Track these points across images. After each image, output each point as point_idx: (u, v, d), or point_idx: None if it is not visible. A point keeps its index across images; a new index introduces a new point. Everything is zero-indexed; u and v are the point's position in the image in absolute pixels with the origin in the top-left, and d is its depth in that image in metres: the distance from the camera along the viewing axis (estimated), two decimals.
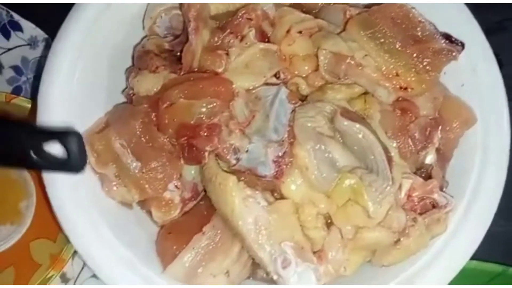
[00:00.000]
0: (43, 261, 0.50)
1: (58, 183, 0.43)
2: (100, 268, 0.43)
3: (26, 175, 0.53)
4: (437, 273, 0.43)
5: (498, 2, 0.66)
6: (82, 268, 0.51)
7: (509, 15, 0.67)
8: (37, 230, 0.51)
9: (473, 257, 0.46)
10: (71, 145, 0.37)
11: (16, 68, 0.57)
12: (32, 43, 0.57)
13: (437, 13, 0.48)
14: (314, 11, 0.53)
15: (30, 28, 0.56)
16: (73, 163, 0.37)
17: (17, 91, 0.57)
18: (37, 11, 0.58)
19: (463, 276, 0.48)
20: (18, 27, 0.56)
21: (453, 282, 0.44)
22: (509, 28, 0.67)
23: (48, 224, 0.50)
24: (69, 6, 0.47)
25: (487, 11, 0.68)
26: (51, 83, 0.45)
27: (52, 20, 0.56)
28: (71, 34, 0.45)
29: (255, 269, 0.46)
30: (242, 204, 0.40)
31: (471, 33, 0.48)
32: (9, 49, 0.57)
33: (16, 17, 0.56)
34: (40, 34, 0.57)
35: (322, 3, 0.53)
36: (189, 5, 0.44)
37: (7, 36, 0.57)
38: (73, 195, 0.43)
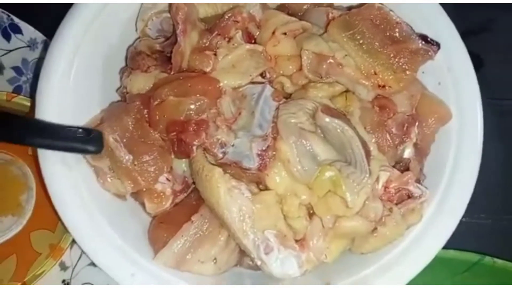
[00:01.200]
0: (42, 250, 0.53)
1: (56, 177, 0.46)
2: (96, 256, 0.45)
3: (27, 170, 0.56)
4: (413, 259, 0.45)
5: (480, 2, 0.69)
6: (80, 257, 0.54)
7: (491, 16, 0.70)
8: (37, 221, 0.54)
9: (451, 247, 0.48)
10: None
11: (16, 69, 0.60)
12: (31, 45, 0.60)
13: (414, 15, 0.51)
14: (299, 14, 0.56)
15: (29, 31, 0.59)
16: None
17: (17, 90, 0.60)
18: (36, 14, 0.61)
19: (442, 264, 0.51)
20: (18, 30, 0.59)
21: (433, 270, 0.47)
22: (491, 29, 0.69)
23: (47, 215, 0.53)
24: (67, 10, 0.50)
25: (470, 12, 0.70)
26: (49, 81, 0.47)
27: (50, 23, 0.59)
28: (68, 35, 0.48)
29: (242, 256, 0.48)
30: (227, 194, 0.43)
31: (447, 33, 0.51)
32: (10, 51, 0.60)
33: (16, 20, 0.59)
34: (39, 36, 0.59)
35: (306, 5, 0.56)
36: (177, 8, 0.46)
37: (8, 39, 0.59)
38: (71, 188, 0.46)
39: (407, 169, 0.48)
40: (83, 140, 0.44)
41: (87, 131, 0.45)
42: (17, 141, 0.44)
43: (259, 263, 0.43)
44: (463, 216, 0.46)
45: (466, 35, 0.69)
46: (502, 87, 0.68)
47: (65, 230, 0.51)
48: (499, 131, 0.64)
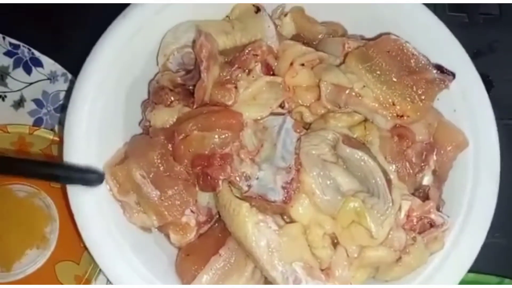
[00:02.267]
0: (68, 282, 0.54)
1: (84, 209, 0.47)
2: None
3: (50, 202, 0.57)
4: (438, 286, 0.47)
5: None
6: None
7: (497, 37, 0.72)
8: (62, 253, 0.55)
9: (470, 270, 0.49)
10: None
11: (37, 101, 0.61)
12: (51, 77, 0.61)
13: (428, 42, 0.52)
14: (314, 43, 0.57)
15: (50, 64, 0.60)
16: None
17: (38, 122, 0.61)
18: (56, 48, 0.62)
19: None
20: (38, 63, 0.60)
21: None
22: (498, 49, 0.71)
23: (72, 247, 0.54)
24: (86, 43, 0.51)
25: (478, 34, 0.72)
26: (76, 115, 0.48)
27: (69, 56, 0.61)
28: (93, 71, 0.49)
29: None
30: (254, 228, 0.43)
31: (460, 60, 0.52)
32: (31, 83, 0.61)
33: (37, 53, 0.60)
34: (59, 69, 0.60)
35: (321, 35, 0.57)
36: (201, 46, 0.47)
37: (29, 72, 0.61)
38: (98, 219, 0.47)
39: (427, 195, 0.49)
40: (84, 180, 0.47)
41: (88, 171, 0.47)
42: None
43: None
44: None
45: (474, 56, 0.70)
46: (510, 107, 0.69)
47: (90, 261, 0.52)
48: (509, 150, 0.65)
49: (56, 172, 0.46)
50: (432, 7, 0.72)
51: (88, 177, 0.46)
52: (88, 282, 0.53)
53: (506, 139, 0.61)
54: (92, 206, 0.47)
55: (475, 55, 0.71)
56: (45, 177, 0.48)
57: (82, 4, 0.65)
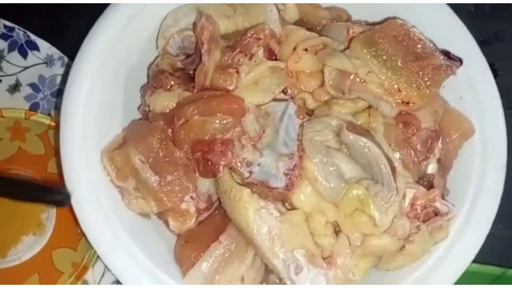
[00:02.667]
0: (65, 269, 0.53)
1: (81, 196, 0.46)
2: (122, 275, 0.45)
3: None
4: (441, 275, 0.46)
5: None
6: (103, 275, 0.53)
7: (503, 26, 0.70)
8: (59, 239, 0.54)
9: (474, 260, 0.48)
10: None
11: (33, 86, 0.59)
12: (48, 61, 0.59)
13: (435, 28, 0.51)
14: (318, 28, 0.56)
15: (46, 47, 0.59)
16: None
17: (34, 107, 0.59)
18: (52, 31, 0.60)
19: (464, 278, 0.51)
20: (34, 47, 0.59)
21: (455, 284, 0.47)
22: (504, 38, 0.70)
23: (69, 234, 0.53)
24: (83, 25, 0.50)
25: (484, 23, 0.71)
26: (73, 100, 0.47)
27: (67, 39, 0.59)
28: (91, 54, 0.48)
29: (268, 274, 0.48)
30: (256, 215, 0.43)
31: (467, 47, 0.51)
32: (27, 68, 0.59)
33: (33, 37, 0.58)
34: (55, 52, 0.59)
35: (325, 20, 0.56)
36: (202, 28, 0.46)
37: (25, 55, 0.59)
38: (95, 206, 0.46)
39: (431, 184, 0.49)
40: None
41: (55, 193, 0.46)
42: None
43: (288, 283, 0.43)
44: None
45: (480, 45, 0.69)
46: None
47: (87, 248, 0.51)
48: None
49: (21, 192, 0.45)
50: None
51: (55, 198, 0.46)
52: (85, 269, 0.52)
53: (511, 128, 0.61)
54: (89, 193, 0.46)
55: (481, 44, 0.69)
56: (7, 196, 0.47)
57: None
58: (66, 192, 0.46)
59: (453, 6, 0.72)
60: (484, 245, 0.48)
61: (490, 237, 0.54)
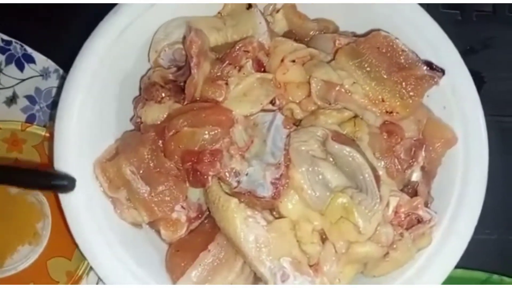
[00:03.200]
0: (60, 278, 0.54)
1: (74, 206, 0.47)
2: (114, 284, 0.46)
3: (42, 198, 0.57)
4: (425, 281, 0.47)
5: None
6: (97, 283, 0.54)
7: (490, 34, 0.72)
8: (54, 249, 0.55)
9: (460, 266, 0.49)
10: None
11: (30, 98, 0.61)
12: (44, 74, 0.61)
13: (418, 39, 0.52)
14: (306, 40, 0.57)
15: (42, 60, 0.60)
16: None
17: (31, 119, 0.61)
18: (48, 44, 0.62)
19: (450, 283, 0.52)
20: (31, 60, 0.60)
21: None
22: (491, 46, 0.71)
23: (64, 243, 0.54)
24: (79, 39, 0.51)
25: (471, 31, 0.72)
26: (66, 112, 0.49)
27: (62, 52, 0.61)
28: (84, 66, 0.49)
29: (257, 281, 0.49)
30: (243, 224, 0.44)
31: (450, 57, 0.52)
32: (23, 80, 0.61)
33: (29, 50, 0.60)
34: (51, 65, 0.61)
35: (313, 31, 0.57)
36: (191, 42, 0.47)
37: (21, 68, 0.61)
38: (88, 216, 0.47)
39: (415, 192, 0.50)
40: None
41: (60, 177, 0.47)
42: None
43: None
44: None
45: (467, 53, 0.71)
46: (503, 104, 0.70)
47: (82, 257, 0.53)
48: (501, 147, 0.65)
49: (23, 178, 0.45)
50: (425, 4, 0.73)
51: (59, 183, 0.46)
52: (79, 278, 0.53)
53: (498, 136, 0.61)
54: (82, 203, 0.47)
55: (468, 52, 0.71)
56: (12, 183, 0.47)
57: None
58: (71, 177, 0.46)
59: (439, 14, 0.74)
60: (471, 250, 0.49)
61: (477, 242, 0.55)
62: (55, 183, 0.46)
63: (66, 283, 0.53)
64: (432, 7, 0.73)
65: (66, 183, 0.46)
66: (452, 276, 0.52)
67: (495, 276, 0.52)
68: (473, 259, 0.54)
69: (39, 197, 0.57)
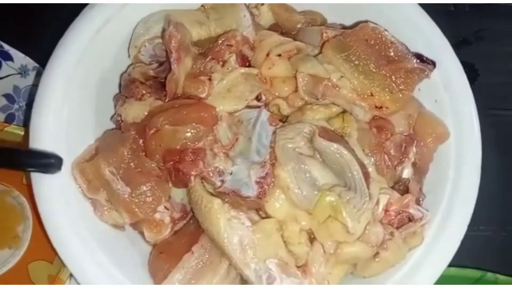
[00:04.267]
0: (41, 282, 0.52)
1: (51, 207, 0.45)
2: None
3: (22, 200, 0.55)
4: (418, 281, 0.45)
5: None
6: None
7: (484, 25, 0.70)
8: (35, 252, 0.53)
9: (454, 263, 0.48)
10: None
11: (8, 97, 0.59)
12: (22, 72, 0.59)
13: (409, 31, 0.51)
14: (293, 33, 0.55)
15: (20, 58, 0.58)
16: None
17: (10, 118, 0.59)
18: (26, 40, 0.60)
19: (443, 282, 0.51)
20: (8, 57, 0.58)
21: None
22: (485, 38, 0.70)
23: (45, 246, 0.52)
24: (57, 35, 0.49)
25: (464, 22, 0.70)
26: (43, 111, 0.47)
27: (41, 49, 0.59)
28: (61, 63, 0.47)
29: (243, 284, 0.48)
30: (227, 225, 0.42)
31: (442, 49, 0.50)
32: (1, 78, 0.59)
33: (6, 47, 0.58)
34: (30, 63, 0.58)
35: (300, 24, 0.56)
36: (170, 36, 0.46)
37: None
38: (66, 219, 0.45)
39: (406, 189, 0.48)
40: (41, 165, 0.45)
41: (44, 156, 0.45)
42: None
43: None
44: None
45: (460, 45, 0.69)
46: (496, 97, 0.68)
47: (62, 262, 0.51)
48: (494, 141, 0.64)
49: (6, 157, 0.43)
50: None
51: (45, 162, 0.44)
52: (61, 281, 0.51)
53: (491, 128, 0.60)
54: (59, 205, 0.45)
55: (461, 44, 0.70)
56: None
57: None
58: (58, 155, 0.44)
59: (432, 6, 0.72)
60: (465, 247, 0.48)
61: (471, 238, 0.54)
62: (41, 161, 0.44)
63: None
64: None
65: (53, 161, 0.44)
66: (446, 275, 0.50)
67: (489, 274, 0.51)
68: (467, 256, 0.53)
69: (19, 199, 0.55)
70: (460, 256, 0.48)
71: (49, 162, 0.44)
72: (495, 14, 0.71)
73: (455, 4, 0.71)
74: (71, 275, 0.52)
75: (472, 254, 0.55)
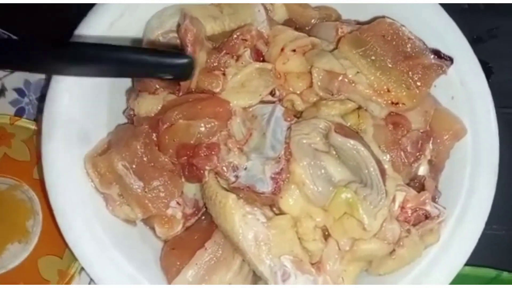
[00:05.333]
0: (51, 277, 0.52)
1: (64, 204, 0.45)
2: (106, 285, 0.44)
3: (32, 194, 0.55)
4: (433, 279, 0.45)
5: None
6: (89, 283, 0.52)
7: (498, 23, 0.69)
8: (44, 247, 0.53)
9: (468, 262, 0.47)
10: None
11: (19, 91, 0.58)
12: None
13: (425, 27, 0.50)
14: (307, 28, 0.55)
15: None
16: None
17: (20, 112, 0.58)
18: (38, 34, 0.59)
19: (458, 281, 0.50)
20: None
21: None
22: (499, 36, 0.69)
23: (55, 241, 0.52)
24: (68, 30, 0.49)
25: (478, 20, 0.70)
26: (56, 105, 0.46)
27: None
28: None
29: (256, 280, 0.47)
30: (241, 221, 0.42)
31: (459, 45, 0.50)
32: (12, 72, 0.58)
33: None
34: None
35: (314, 19, 0.55)
36: (186, 30, 0.45)
37: None
38: (79, 214, 0.45)
39: (422, 186, 0.48)
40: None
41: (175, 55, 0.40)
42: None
43: None
44: None
45: (474, 42, 0.68)
46: (510, 95, 0.67)
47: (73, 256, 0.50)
48: (509, 139, 0.63)
49: (139, 62, 0.37)
50: None
51: (181, 61, 0.39)
52: (71, 276, 0.51)
53: (505, 127, 0.59)
54: (72, 200, 0.45)
55: (475, 42, 0.68)
56: (129, 68, 0.38)
57: None
58: (190, 56, 0.39)
59: (446, 4, 0.71)
60: (478, 246, 0.47)
61: (484, 237, 0.53)
62: (176, 62, 0.38)
63: (58, 282, 0.51)
64: None
65: (188, 62, 0.39)
66: (460, 274, 0.50)
67: (505, 274, 0.50)
68: (481, 255, 0.53)
69: (29, 193, 0.55)
70: (473, 255, 0.47)
71: (183, 63, 0.39)
72: (509, 13, 0.70)
73: (469, 3, 0.71)
74: (81, 270, 0.52)
75: (485, 254, 0.54)
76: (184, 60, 0.39)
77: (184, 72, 0.40)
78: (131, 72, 0.41)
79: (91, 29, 0.48)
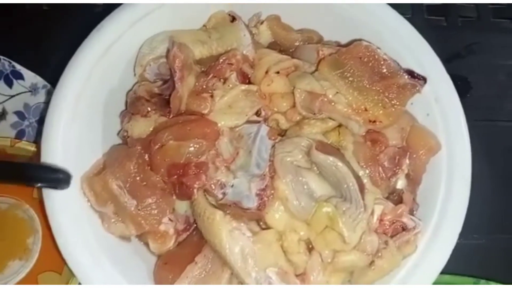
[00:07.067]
0: None
1: (62, 221, 0.47)
2: None
3: (32, 213, 0.57)
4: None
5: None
6: None
7: (476, 39, 0.72)
8: (44, 263, 0.55)
9: (447, 271, 0.49)
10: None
11: (19, 114, 0.62)
12: (33, 90, 0.62)
13: (400, 47, 0.53)
14: (290, 50, 0.58)
15: (31, 76, 0.61)
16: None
17: (20, 135, 0.61)
18: (36, 60, 0.63)
19: None
20: (19, 76, 0.61)
21: None
22: (477, 51, 0.72)
23: (54, 258, 0.54)
24: (68, 54, 0.52)
25: (455, 36, 0.73)
26: (53, 127, 0.49)
27: (50, 68, 0.62)
28: (71, 81, 0.50)
29: None
30: (228, 236, 0.44)
31: (431, 64, 0.53)
32: (12, 96, 0.61)
33: (18, 66, 0.61)
34: (40, 81, 0.61)
35: (297, 42, 0.58)
36: (174, 56, 0.48)
37: (10, 85, 0.61)
38: (76, 232, 0.47)
39: (401, 199, 0.50)
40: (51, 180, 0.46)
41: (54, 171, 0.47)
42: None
43: None
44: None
45: (453, 58, 0.71)
46: (489, 108, 0.70)
47: (71, 272, 0.53)
48: (488, 151, 0.66)
49: (15, 172, 0.45)
50: (410, 11, 0.74)
51: (54, 177, 0.45)
52: None
53: (484, 139, 0.62)
54: (69, 218, 0.47)
55: (454, 58, 0.72)
56: (6, 179, 0.46)
57: (62, 16, 0.65)
58: (66, 171, 0.46)
59: (426, 20, 0.74)
60: (459, 255, 0.49)
61: (465, 246, 0.56)
62: (50, 176, 0.45)
63: None
64: (416, 14, 0.74)
65: (61, 176, 0.45)
66: (440, 282, 0.52)
67: (483, 281, 0.53)
68: (461, 264, 0.55)
69: (29, 212, 0.57)
70: (454, 264, 0.50)
71: (57, 177, 0.46)
72: (486, 29, 0.73)
73: (447, 18, 0.74)
74: (79, 285, 0.54)
75: (466, 262, 0.56)
76: (58, 176, 0.46)
77: (59, 184, 0.46)
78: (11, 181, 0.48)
79: (88, 53, 0.50)
